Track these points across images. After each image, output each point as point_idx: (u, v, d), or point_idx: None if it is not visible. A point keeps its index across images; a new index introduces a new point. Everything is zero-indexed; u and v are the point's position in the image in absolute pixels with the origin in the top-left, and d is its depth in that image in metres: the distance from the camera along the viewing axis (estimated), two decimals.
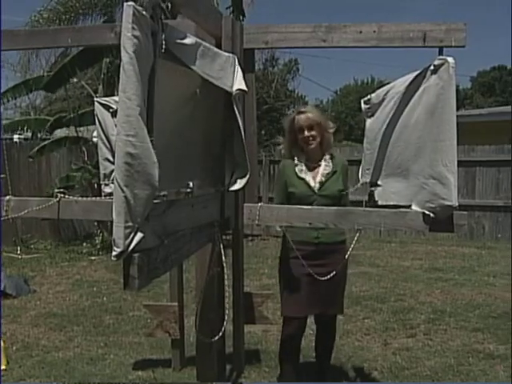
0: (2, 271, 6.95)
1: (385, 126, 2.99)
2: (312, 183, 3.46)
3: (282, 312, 3.58)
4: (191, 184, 2.47)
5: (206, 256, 2.94)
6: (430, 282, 7.24)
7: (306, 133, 3.42)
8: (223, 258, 2.76)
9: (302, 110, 3.51)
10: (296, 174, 3.49)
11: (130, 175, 1.65)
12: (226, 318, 2.81)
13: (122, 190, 1.64)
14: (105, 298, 6.52)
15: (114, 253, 1.69)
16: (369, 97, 3.16)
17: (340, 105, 36.26)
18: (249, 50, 3.12)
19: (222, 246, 2.73)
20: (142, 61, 1.68)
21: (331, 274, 3.32)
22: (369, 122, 3.17)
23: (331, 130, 3.54)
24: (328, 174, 3.49)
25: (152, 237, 1.83)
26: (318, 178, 3.48)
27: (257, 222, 3.05)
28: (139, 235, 1.72)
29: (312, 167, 3.51)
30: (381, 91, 3.07)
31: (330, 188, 3.46)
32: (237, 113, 2.67)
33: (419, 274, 7.78)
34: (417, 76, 2.76)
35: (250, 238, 10.83)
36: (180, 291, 4.07)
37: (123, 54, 1.63)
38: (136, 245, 1.71)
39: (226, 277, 2.81)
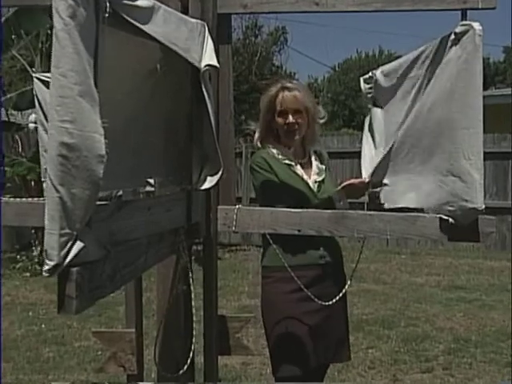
0: None
1: (401, 120, 2.94)
2: (310, 183, 3.33)
3: (275, 373, 3.34)
4: (152, 182, 2.48)
5: (168, 271, 2.93)
6: (449, 303, 7.30)
7: (291, 118, 3.24)
8: (191, 273, 2.77)
9: (288, 85, 3.31)
10: (289, 167, 3.31)
11: (66, 171, 1.62)
12: (195, 347, 2.82)
13: (56, 189, 1.62)
14: (43, 325, 6.49)
15: (45, 267, 1.65)
16: (371, 74, 3.13)
17: (338, 84, 36.15)
18: (224, 16, 3.12)
19: (188, 259, 2.74)
20: (82, 28, 1.65)
21: (334, 300, 3.16)
22: (377, 113, 3.15)
23: (321, 121, 3.42)
24: (322, 172, 3.40)
25: (95, 247, 1.80)
26: (314, 178, 3.35)
27: (233, 228, 3.05)
28: (78, 245, 1.69)
29: (300, 163, 3.36)
30: (390, 69, 3.02)
31: (328, 190, 3.33)
32: (205, 94, 2.66)
33: (436, 292, 7.85)
34: (437, 49, 2.70)
35: (226, 248, 10.86)
36: (139, 315, 4.06)
37: (56, 19, 1.60)
38: (74, 257, 1.68)
39: (193, 296, 2.81)
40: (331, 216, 2.95)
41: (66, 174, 1.62)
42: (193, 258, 2.98)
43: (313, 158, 3.43)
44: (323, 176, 3.38)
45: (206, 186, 2.82)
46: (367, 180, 3.17)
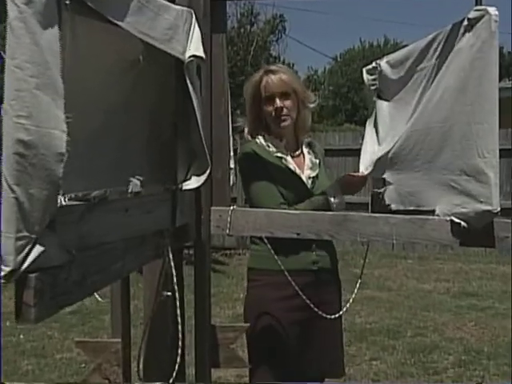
0: None
1: (409, 115, 2.92)
2: (304, 178, 3.25)
3: None
4: (136, 181, 2.44)
5: (155, 276, 2.92)
6: (460, 311, 7.30)
7: (278, 102, 3.15)
8: (174, 278, 2.73)
9: (272, 68, 3.24)
10: (281, 160, 3.23)
11: (22, 170, 1.59)
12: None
13: (11, 189, 1.59)
14: (22, 336, 6.46)
15: (1, 273, 1.61)
16: (375, 64, 3.10)
17: (340, 76, 36.14)
18: (218, 2, 3.11)
19: (173, 263, 2.70)
20: (41, 16, 1.62)
21: (337, 315, 3.13)
22: (382, 106, 3.13)
23: (312, 105, 3.32)
24: (316, 166, 3.32)
25: (58, 251, 1.77)
26: (307, 172, 3.28)
27: (228, 230, 3.03)
28: (38, 249, 1.66)
29: (292, 157, 3.28)
30: (397, 59, 2.99)
31: (324, 184, 3.26)
32: (190, 87, 2.62)
33: (445, 300, 7.85)
34: (449, 36, 2.68)
35: (220, 252, 10.84)
36: (125, 323, 4.03)
37: (10, 7, 1.57)
38: (33, 262, 1.65)
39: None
40: (332, 218, 2.93)
41: (22, 173, 1.59)
42: (184, 262, 2.96)
43: (305, 151, 3.35)
44: (317, 171, 3.31)
45: (192, 185, 2.79)
46: (366, 173, 3.12)
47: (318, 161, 3.35)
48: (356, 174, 3.17)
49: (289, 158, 3.25)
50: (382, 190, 3.08)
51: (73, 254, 1.83)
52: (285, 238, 2.94)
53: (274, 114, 3.17)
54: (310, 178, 3.27)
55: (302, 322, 3.15)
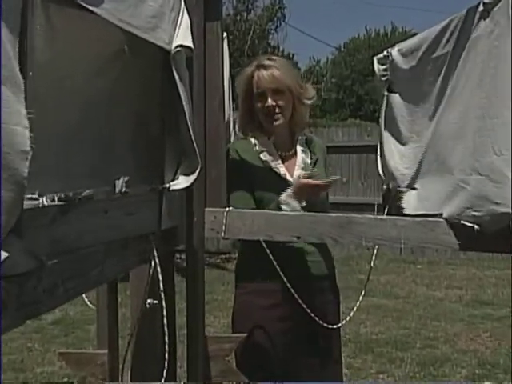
0: None
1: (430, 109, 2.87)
2: (290, 181, 3.19)
3: None
4: (121, 181, 2.42)
5: (141, 283, 2.90)
6: (473, 320, 7.30)
7: (270, 100, 3.14)
8: (161, 284, 2.71)
9: (265, 62, 3.20)
10: (263, 162, 3.21)
11: None
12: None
13: None
14: None
15: None
16: (386, 53, 3.09)
17: (344, 67, 36.21)
18: None
19: (159, 269, 2.68)
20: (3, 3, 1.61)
21: (335, 326, 3.13)
22: (395, 100, 3.09)
23: (309, 102, 3.28)
24: (308, 166, 3.26)
25: (24, 257, 1.75)
26: (297, 173, 3.22)
27: (223, 233, 3.02)
28: (2, 255, 1.67)
29: (283, 156, 3.26)
30: (409, 47, 2.97)
31: None
32: (177, 79, 2.61)
33: (457, 309, 7.85)
34: (464, 23, 2.64)
35: (216, 257, 10.84)
36: (112, 334, 4.02)
37: None
38: None
39: (165, 312, 2.76)
40: (335, 220, 2.92)
41: None
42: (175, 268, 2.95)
43: (299, 150, 3.31)
44: (309, 172, 3.22)
45: (181, 185, 2.77)
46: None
47: (313, 160, 3.31)
48: (314, 181, 3.07)
49: (278, 161, 3.23)
50: (403, 190, 3.04)
51: (41, 260, 1.81)
52: (273, 241, 2.95)
53: (265, 111, 3.16)
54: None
55: (292, 331, 3.15)
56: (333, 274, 3.36)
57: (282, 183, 3.15)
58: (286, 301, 3.09)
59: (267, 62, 3.18)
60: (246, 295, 3.27)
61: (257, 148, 3.21)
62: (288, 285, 3.07)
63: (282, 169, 3.21)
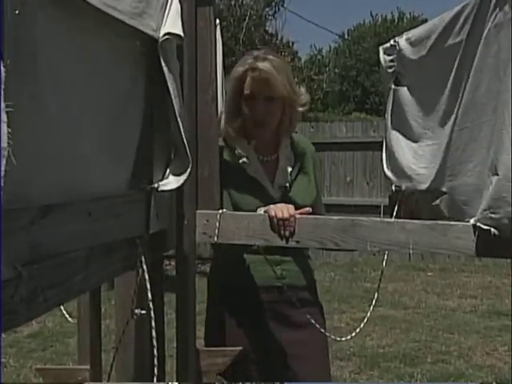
0: None
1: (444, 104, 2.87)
2: (270, 189, 3.23)
3: None
4: (105, 180, 2.42)
5: (128, 291, 2.91)
6: (489, 333, 7.30)
7: (258, 108, 3.13)
8: (149, 293, 2.72)
9: (259, 64, 3.12)
10: (242, 170, 3.23)
11: None
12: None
13: None
14: None
15: None
16: (393, 42, 3.10)
17: (348, 56, 36.23)
18: None
19: (147, 276, 2.69)
20: None
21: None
22: (403, 94, 3.10)
23: (301, 109, 3.27)
24: (291, 171, 3.28)
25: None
26: (279, 181, 3.24)
27: (216, 238, 3.03)
28: None
29: (264, 161, 3.27)
30: (418, 36, 2.97)
31: (299, 195, 3.24)
32: (166, 70, 2.61)
33: (472, 320, 7.85)
34: (479, 8, 2.63)
35: (207, 262, 10.83)
36: (95, 348, 4.03)
37: None
38: None
39: (153, 324, 2.77)
40: (338, 224, 2.93)
41: None
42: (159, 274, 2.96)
43: (282, 155, 3.30)
44: (294, 175, 3.29)
45: (171, 186, 2.78)
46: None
47: (295, 168, 3.30)
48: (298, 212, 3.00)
49: (258, 167, 3.25)
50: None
51: (19, 271, 1.81)
52: (245, 247, 3.03)
53: (253, 116, 3.15)
54: (280, 187, 3.26)
55: (264, 342, 3.21)
56: (313, 286, 3.39)
57: (259, 190, 3.20)
58: (257, 312, 3.20)
59: (261, 65, 3.11)
60: (215, 308, 3.42)
61: (236, 152, 3.23)
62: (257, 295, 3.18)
63: (260, 175, 3.22)
